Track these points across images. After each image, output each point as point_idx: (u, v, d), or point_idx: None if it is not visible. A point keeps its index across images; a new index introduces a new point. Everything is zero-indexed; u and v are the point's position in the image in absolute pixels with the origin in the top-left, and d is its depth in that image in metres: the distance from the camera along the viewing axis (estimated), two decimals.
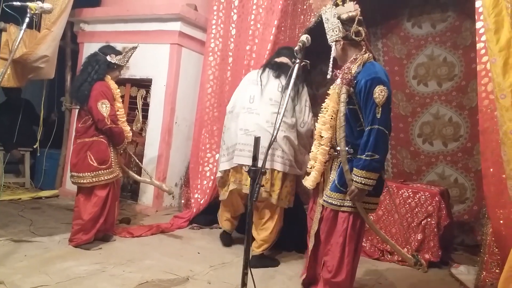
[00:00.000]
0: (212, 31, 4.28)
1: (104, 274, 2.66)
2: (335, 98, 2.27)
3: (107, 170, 3.14)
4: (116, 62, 3.23)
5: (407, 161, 4.79)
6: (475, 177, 4.31)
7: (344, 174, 2.20)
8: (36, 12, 2.27)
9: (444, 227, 3.52)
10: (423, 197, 3.57)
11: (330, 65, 2.30)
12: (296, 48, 2.20)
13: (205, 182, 4.14)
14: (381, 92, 2.09)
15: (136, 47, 3.36)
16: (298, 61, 2.16)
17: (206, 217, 4.10)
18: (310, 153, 2.47)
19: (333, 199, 2.26)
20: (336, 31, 2.27)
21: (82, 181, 3.12)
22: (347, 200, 2.21)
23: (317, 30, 3.92)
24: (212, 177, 4.10)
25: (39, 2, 2.32)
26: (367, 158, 2.10)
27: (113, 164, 3.18)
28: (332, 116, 2.29)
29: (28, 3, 2.24)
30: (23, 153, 5.25)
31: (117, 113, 3.23)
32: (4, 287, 2.29)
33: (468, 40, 4.30)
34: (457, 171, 4.47)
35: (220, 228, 4.12)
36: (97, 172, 3.10)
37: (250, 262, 2.63)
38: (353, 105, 2.21)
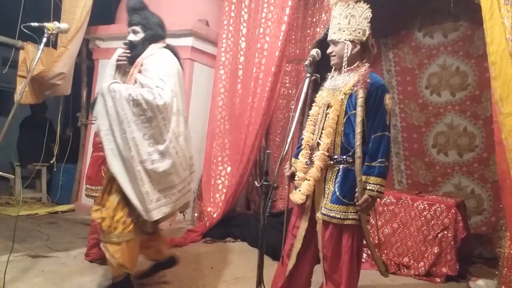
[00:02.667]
0: (223, 45, 4.35)
1: None
2: (338, 102, 2.16)
3: None
4: None
5: (422, 172, 4.73)
6: (492, 188, 4.23)
7: (346, 184, 2.11)
8: (53, 32, 2.33)
9: (461, 239, 3.45)
10: (439, 209, 3.51)
11: (345, 60, 2.18)
12: (306, 62, 2.19)
13: (217, 195, 4.15)
14: (390, 100, 2.13)
15: None
16: (308, 75, 2.16)
17: (219, 231, 4.10)
18: (294, 164, 2.28)
19: (335, 212, 2.11)
20: (360, 33, 2.15)
21: (94, 194, 3.15)
22: (351, 212, 2.10)
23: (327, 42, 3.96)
24: (224, 190, 4.11)
25: (56, 23, 2.38)
26: (381, 165, 2.05)
27: None
28: (335, 119, 2.15)
29: (46, 24, 2.31)
30: (39, 168, 5.36)
31: None
32: None
33: (481, 49, 4.25)
34: (473, 182, 4.39)
35: (234, 241, 4.12)
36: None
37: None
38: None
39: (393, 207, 3.75)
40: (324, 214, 2.15)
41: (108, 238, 2.34)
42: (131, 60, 2.47)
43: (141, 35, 2.48)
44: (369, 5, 2.17)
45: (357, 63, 2.21)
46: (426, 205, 3.59)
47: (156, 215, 2.33)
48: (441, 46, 4.57)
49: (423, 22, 4.68)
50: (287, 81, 4.63)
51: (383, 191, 2.08)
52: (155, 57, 2.47)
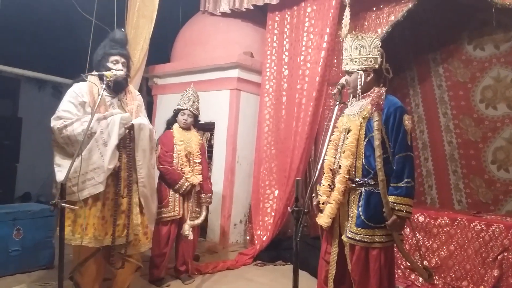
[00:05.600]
0: (267, 74, 4.56)
1: None
2: (357, 126, 2.24)
3: (164, 209, 3.35)
4: (175, 108, 3.62)
5: (482, 190, 4.48)
6: None
7: (370, 207, 2.16)
8: (111, 79, 2.66)
9: None
10: (497, 230, 3.31)
11: (359, 89, 2.28)
12: (335, 91, 2.29)
13: (266, 218, 4.27)
14: (409, 120, 2.17)
15: (188, 89, 3.70)
16: (337, 103, 2.25)
17: (269, 254, 4.19)
18: (320, 187, 2.37)
19: (361, 236, 2.15)
20: (372, 61, 2.27)
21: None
22: (377, 235, 2.15)
23: None
24: (273, 214, 4.22)
25: (113, 70, 2.71)
26: (408, 185, 2.09)
27: (170, 204, 3.38)
28: (353, 143, 2.22)
29: (104, 72, 2.64)
30: None
31: (179, 158, 3.44)
32: None
33: None
34: None
35: (284, 264, 4.17)
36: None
37: None
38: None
39: (448, 229, 3.60)
40: (350, 238, 2.19)
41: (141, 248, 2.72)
42: (118, 92, 2.78)
43: (125, 70, 2.76)
44: (378, 35, 2.37)
45: (373, 88, 2.29)
46: (483, 226, 3.40)
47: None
48: (493, 58, 4.39)
49: (472, 35, 4.53)
50: (331, 104, 4.68)
51: (411, 211, 2.11)
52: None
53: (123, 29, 3.02)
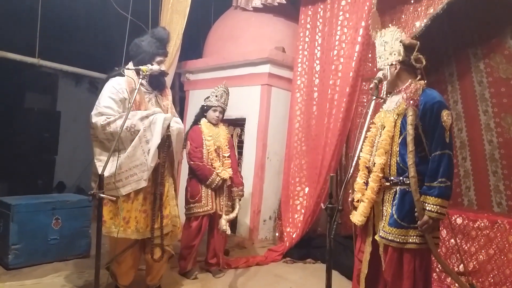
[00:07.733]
0: (298, 69, 4.51)
1: None
2: (391, 122, 2.16)
3: (197, 204, 3.39)
4: (204, 104, 3.62)
5: None
6: None
7: (404, 207, 2.08)
8: (147, 73, 2.69)
9: None
10: None
11: (384, 87, 2.26)
12: (372, 85, 2.23)
13: (296, 215, 4.23)
14: (448, 116, 2.05)
15: (220, 85, 3.68)
16: (373, 98, 2.19)
17: (299, 251, 4.16)
18: (355, 185, 2.32)
19: (394, 236, 2.07)
20: (395, 55, 2.21)
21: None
22: (411, 236, 2.06)
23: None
24: (303, 211, 4.17)
25: (149, 65, 2.75)
26: (441, 185, 1.99)
27: (203, 199, 3.41)
28: (387, 140, 2.15)
29: (140, 67, 2.68)
30: None
31: (209, 153, 3.45)
32: None
33: None
34: None
35: (314, 263, 4.12)
36: (187, 206, 3.42)
37: None
38: (415, 129, 2.08)
39: (488, 232, 3.44)
40: (382, 237, 2.13)
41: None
42: (158, 89, 2.87)
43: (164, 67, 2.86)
44: (401, 30, 2.26)
45: (409, 81, 2.22)
46: None
47: None
48: None
49: None
50: (365, 100, 4.57)
51: (444, 212, 2.01)
52: None
53: (165, 28, 3.06)
